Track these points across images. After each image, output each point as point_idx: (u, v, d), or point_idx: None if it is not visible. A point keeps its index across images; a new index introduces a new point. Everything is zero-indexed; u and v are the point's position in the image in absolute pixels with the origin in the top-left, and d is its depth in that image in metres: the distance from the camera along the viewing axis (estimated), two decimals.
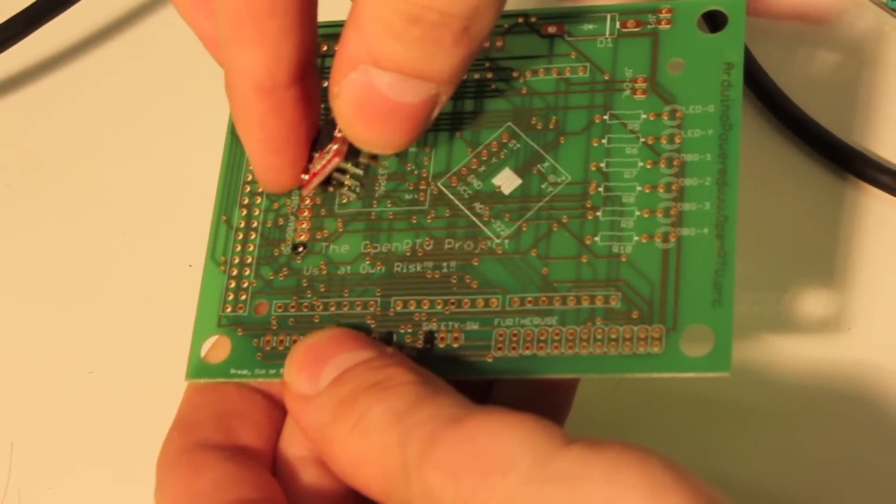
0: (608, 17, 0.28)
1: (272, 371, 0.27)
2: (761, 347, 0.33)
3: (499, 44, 0.28)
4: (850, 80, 0.37)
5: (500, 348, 0.26)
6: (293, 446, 0.26)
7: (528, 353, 0.25)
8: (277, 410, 0.27)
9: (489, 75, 0.28)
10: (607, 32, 0.28)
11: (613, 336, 0.25)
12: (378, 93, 0.24)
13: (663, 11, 0.27)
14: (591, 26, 0.28)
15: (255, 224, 0.28)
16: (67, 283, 0.36)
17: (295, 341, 0.26)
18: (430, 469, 0.22)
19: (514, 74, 0.28)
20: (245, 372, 0.27)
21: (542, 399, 0.27)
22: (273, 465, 0.26)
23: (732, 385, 0.31)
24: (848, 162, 0.35)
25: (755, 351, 0.33)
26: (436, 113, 0.25)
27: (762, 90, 0.36)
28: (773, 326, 0.33)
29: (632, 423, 0.32)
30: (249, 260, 0.28)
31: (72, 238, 0.36)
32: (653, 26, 0.27)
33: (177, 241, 0.35)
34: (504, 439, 0.22)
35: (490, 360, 0.26)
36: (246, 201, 0.29)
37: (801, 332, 0.33)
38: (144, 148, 0.38)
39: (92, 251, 0.36)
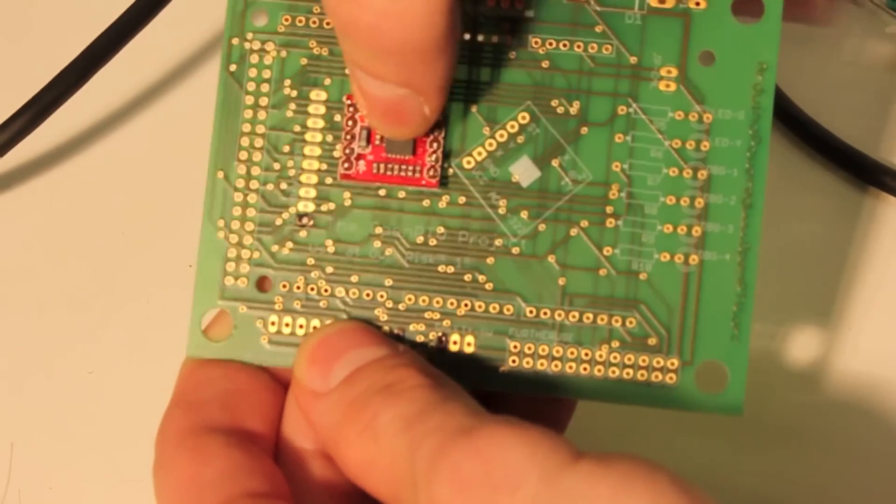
0: None
1: (278, 358, 0.26)
2: (769, 359, 0.33)
3: (519, 4, 0.26)
4: (853, 82, 0.37)
5: (514, 361, 0.25)
6: (297, 437, 0.26)
7: (541, 369, 0.25)
8: (281, 389, 0.26)
9: (508, 39, 0.26)
10: (636, 6, 0.26)
11: (629, 362, 0.24)
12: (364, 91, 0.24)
13: None
14: None
15: (254, 185, 0.26)
16: (67, 282, 0.36)
17: (301, 326, 0.26)
18: (438, 481, 0.22)
19: (535, 42, 0.26)
20: (250, 356, 0.26)
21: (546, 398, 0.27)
22: (275, 451, 0.26)
23: None
24: (849, 163, 0.35)
25: (762, 363, 0.32)
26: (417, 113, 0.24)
27: None
28: (792, 338, 0.33)
29: (637, 432, 0.32)
30: (251, 227, 0.26)
31: (72, 238, 0.36)
32: (685, 6, 0.25)
33: (177, 241, 0.35)
34: (512, 455, 0.22)
35: (503, 371, 0.25)
36: (244, 156, 0.26)
37: (822, 346, 0.33)
38: (145, 148, 0.38)
39: (92, 251, 0.36)
